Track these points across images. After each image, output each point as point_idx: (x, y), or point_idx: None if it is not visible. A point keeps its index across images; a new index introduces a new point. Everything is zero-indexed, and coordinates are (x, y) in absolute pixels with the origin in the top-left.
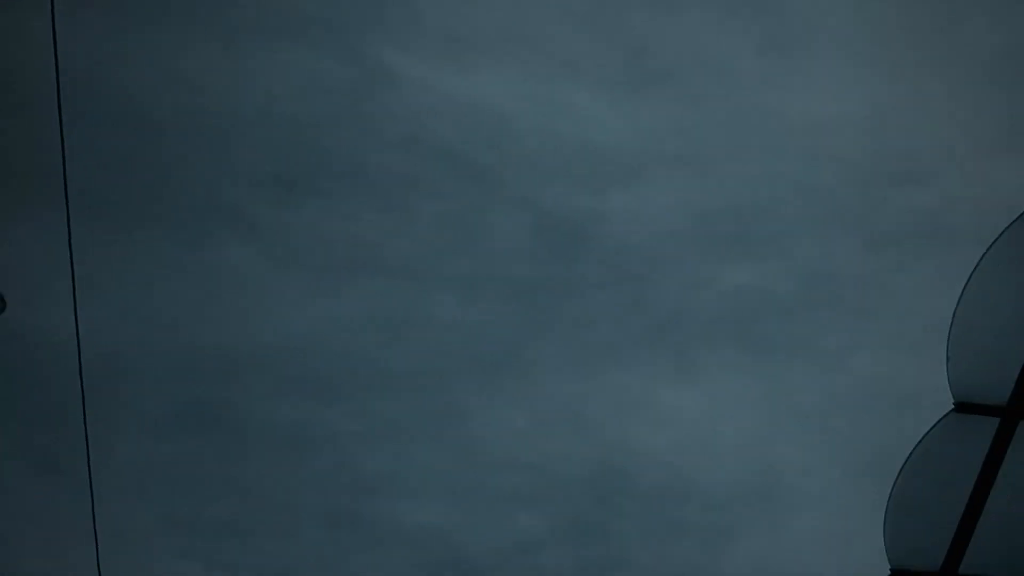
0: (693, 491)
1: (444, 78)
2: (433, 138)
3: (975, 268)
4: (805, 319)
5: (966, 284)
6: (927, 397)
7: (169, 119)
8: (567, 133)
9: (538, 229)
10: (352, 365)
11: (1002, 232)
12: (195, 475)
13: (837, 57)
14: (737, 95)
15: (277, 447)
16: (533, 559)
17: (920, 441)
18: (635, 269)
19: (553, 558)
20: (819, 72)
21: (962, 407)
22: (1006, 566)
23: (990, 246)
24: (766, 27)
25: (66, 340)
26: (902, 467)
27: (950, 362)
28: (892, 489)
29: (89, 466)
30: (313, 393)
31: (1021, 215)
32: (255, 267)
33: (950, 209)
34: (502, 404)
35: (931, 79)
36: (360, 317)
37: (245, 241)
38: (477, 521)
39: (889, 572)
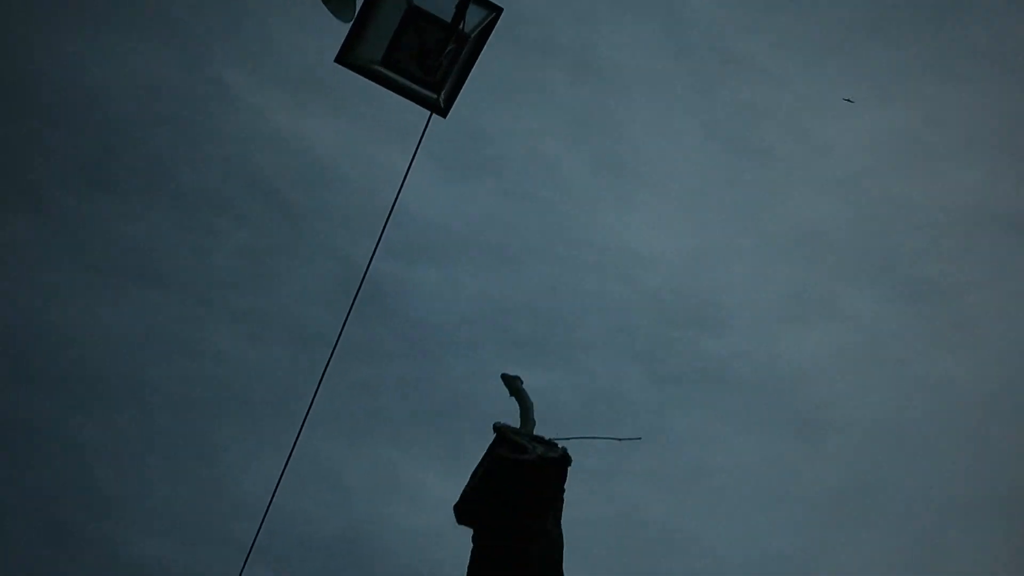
0: None
1: (278, 111)
2: (253, 167)
3: None
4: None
5: None
6: (678, 537)
7: None
8: (390, 197)
9: (341, 283)
10: (114, 376)
11: None
12: None
13: (666, 194)
14: (565, 204)
15: (9, 447)
16: None
17: None
18: (428, 347)
19: None
20: (646, 203)
21: None
22: None
23: None
24: (607, 147)
25: None
26: None
27: None
28: None
29: None
30: (64, 396)
31: None
32: (42, 251)
33: (736, 361)
34: (259, 449)
35: (744, 238)
36: (136, 328)
37: (37, 223)
38: (204, 565)
39: None
